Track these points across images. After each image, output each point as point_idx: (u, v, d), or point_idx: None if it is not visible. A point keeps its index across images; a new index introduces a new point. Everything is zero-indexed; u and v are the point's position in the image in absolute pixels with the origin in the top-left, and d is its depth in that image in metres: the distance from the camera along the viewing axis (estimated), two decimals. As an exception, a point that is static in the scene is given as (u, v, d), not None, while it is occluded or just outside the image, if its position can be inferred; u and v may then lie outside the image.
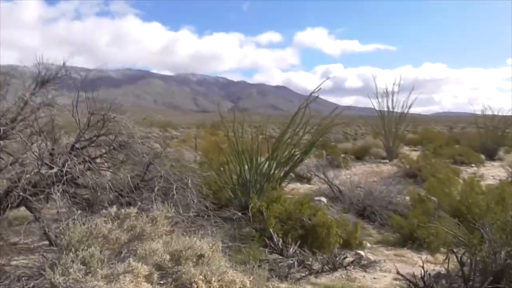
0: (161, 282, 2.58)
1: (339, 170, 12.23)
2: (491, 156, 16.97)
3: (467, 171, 11.03)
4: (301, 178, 11.43)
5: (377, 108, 18.07)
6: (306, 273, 4.83)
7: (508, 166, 12.59)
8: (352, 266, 5.14)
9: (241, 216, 6.22)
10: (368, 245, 6.53)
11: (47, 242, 4.68)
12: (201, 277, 2.60)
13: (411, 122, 25.32)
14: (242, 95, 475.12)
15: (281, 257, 5.09)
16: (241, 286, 2.71)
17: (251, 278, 2.65)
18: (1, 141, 4.65)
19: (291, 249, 5.13)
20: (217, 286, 2.61)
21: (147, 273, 2.57)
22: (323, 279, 4.72)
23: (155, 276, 2.60)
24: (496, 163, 14.84)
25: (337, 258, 5.12)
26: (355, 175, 11.25)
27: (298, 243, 5.30)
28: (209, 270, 2.69)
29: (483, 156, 15.77)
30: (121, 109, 5.82)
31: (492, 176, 11.06)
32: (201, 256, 2.87)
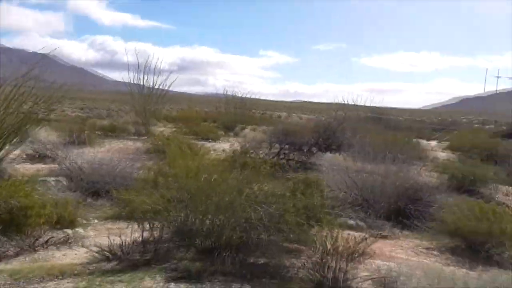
0: None
1: (85, 147, 11.72)
2: (233, 131, 19.80)
3: (204, 145, 12.40)
4: (34, 157, 10.38)
5: (130, 84, 18.07)
6: (-1, 260, 4.43)
7: (241, 140, 14.92)
8: (57, 246, 5.03)
9: None
10: (95, 221, 6.57)
11: None
12: None
13: (179, 101, 26.60)
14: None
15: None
16: None
17: None
18: None
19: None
20: None
21: None
22: (11, 265, 4.41)
23: None
24: (234, 139, 17.35)
25: (39, 240, 4.90)
26: (101, 152, 11.02)
27: (-1, 229, 4.79)
28: None
29: (222, 132, 18.23)
30: None
31: (223, 150, 12.85)
32: None
